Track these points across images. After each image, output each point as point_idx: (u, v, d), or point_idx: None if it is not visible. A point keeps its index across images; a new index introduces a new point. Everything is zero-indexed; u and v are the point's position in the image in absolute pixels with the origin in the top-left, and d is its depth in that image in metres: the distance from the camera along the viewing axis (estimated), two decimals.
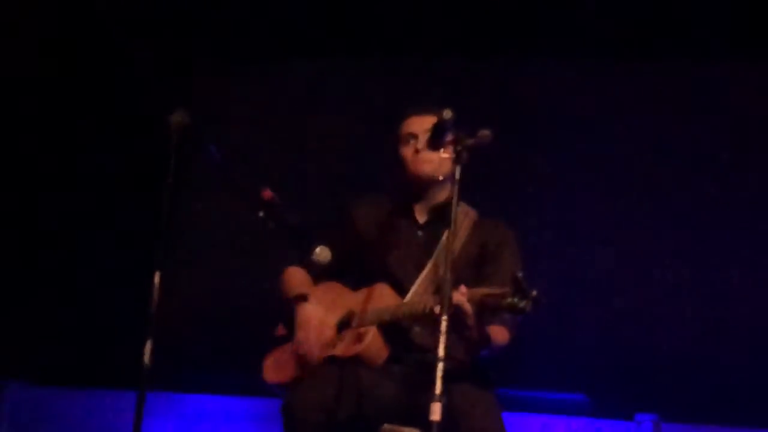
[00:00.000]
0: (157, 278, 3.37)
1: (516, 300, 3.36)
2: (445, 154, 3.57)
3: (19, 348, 5.94)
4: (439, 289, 3.44)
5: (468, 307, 3.46)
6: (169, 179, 3.45)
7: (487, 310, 3.49)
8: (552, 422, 5.31)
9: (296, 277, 4.03)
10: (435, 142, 3.57)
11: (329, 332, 3.87)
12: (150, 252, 3.43)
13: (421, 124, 3.90)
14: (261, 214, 3.59)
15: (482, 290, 3.49)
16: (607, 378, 5.66)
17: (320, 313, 3.90)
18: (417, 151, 3.89)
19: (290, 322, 3.93)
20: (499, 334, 3.71)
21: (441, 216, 3.89)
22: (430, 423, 3.20)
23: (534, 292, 3.34)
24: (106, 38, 6.32)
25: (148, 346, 3.30)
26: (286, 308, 3.97)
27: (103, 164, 6.39)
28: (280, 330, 4.02)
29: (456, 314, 3.42)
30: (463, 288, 3.48)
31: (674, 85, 6.08)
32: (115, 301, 5.97)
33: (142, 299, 3.44)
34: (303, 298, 3.94)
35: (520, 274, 3.37)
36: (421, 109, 3.94)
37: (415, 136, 3.91)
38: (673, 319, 5.80)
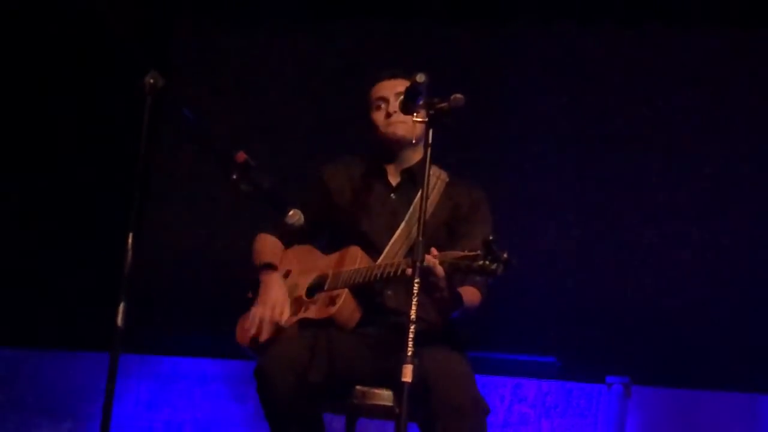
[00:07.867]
0: (130, 239, 3.37)
1: (487, 263, 3.37)
2: (417, 118, 3.57)
3: None
4: (411, 251, 3.45)
5: (440, 270, 3.47)
6: (143, 141, 3.44)
7: (458, 273, 3.49)
8: (523, 385, 5.35)
9: (267, 245, 4.01)
10: (408, 105, 3.56)
11: (299, 292, 3.88)
12: (123, 213, 3.43)
13: (392, 88, 3.92)
14: (234, 176, 3.58)
15: (454, 253, 3.49)
16: (577, 341, 5.69)
17: (283, 288, 3.88)
18: (388, 114, 3.91)
19: (256, 288, 3.93)
20: (471, 295, 3.74)
21: (413, 178, 3.94)
22: (402, 384, 3.22)
23: (505, 255, 3.36)
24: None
25: (121, 308, 3.30)
26: (252, 275, 3.97)
27: (76, 126, 6.36)
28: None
29: (427, 276, 3.44)
30: (434, 251, 3.49)
31: (655, 53, 6.07)
32: (88, 262, 5.96)
33: (115, 261, 3.44)
34: (270, 266, 3.92)
35: (491, 237, 3.38)
36: (392, 73, 3.96)
37: (386, 100, 3.93)
38: (644, 282, 5.83)
